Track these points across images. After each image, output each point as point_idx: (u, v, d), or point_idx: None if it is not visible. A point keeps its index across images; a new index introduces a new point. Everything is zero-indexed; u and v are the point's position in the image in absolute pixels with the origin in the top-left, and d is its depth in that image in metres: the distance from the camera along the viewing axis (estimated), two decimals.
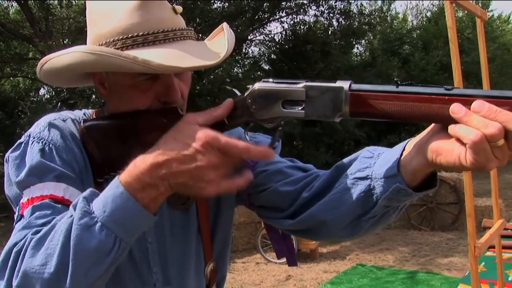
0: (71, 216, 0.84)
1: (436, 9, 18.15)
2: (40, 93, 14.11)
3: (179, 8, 1.03)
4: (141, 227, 0.88)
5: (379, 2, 15.83)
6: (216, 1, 11.14)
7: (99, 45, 0.99)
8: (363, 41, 16.09)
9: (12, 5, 12.18)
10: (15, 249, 0.85)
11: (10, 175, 1.00)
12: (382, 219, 0.96)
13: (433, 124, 0.84)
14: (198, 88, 9.72)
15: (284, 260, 1.27)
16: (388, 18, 17.77)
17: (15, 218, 0.95)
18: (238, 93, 0.96)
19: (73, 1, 11.36)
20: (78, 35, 10.14)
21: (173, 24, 1.00)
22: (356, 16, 12.77)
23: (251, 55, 13.98)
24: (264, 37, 13.58)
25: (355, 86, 0.85)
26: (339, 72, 11.97)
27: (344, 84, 0.86)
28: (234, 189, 0.88)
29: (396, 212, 0.96)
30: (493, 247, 2.95)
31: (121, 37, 0.97)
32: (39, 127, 1.03)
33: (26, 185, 0.96)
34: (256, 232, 7.41)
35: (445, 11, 2.04)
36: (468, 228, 2.19)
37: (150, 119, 1.00)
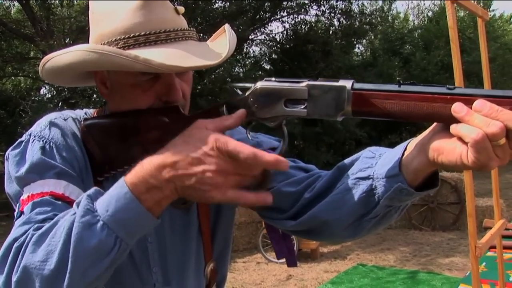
0: (74, 213, 0.84)
1: (437, 9, 18.15)
2: (41, 93, 14.13)
3: (181, 9, 1.04)
4: (143, 229, 0.87)
5: (380, 2, 15.83)
6: (217, 1, 11.15)
7: (101, 44, 0.99)
8: (364, 40, 16.09)
9: (13, 5, 12.20)
10: (15, 244, 0.85)
11: (10, 172, 1.00)
12: (384, 219, 0.96)
13: (434, 124, 0.84)
14: (199, 87, 9.72)
15: (285, 259, 1.27)
16: (389, 17, 17.77)
17: (15, 214, 0.95)
18: (240, 92, 0.96)
19: (75, 1, 11.37)
20: (79, 34, 10.15)
21: (175, 24, 1.00)
22: (357, 15, 12.77)
23: (252, 55, 13.98)
24: (265, 37, 13.58)
25: (358, 85, 0.85)
26: (340, 72, 11.96)
27: (347, 83, 0.86)
28: (241, 201, 0.86)
29: (398, 212, 0.96)
30: (494, 247, 2.95)
31: (123, 37, 0.97)
32: (40, 126, 1.04)
33: (26, 182, 0.96)
34: (257, 232, 7.41)
35: (446, 11, 2.04)
36: (469, 228, 2.18)
37: (151, 118, 1.00)
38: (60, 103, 10.16)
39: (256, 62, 13.92)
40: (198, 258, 1.16)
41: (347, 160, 1.02)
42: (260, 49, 14.18)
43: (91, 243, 0.81)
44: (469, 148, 0.74)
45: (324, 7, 12.44)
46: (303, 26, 13.05)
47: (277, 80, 0.92)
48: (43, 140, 1.00)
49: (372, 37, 16.80)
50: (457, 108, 0.76)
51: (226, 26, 1.08)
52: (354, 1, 12.73)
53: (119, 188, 0.84)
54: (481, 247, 2.14)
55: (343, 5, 12.44)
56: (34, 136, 1.01)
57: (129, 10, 0.98)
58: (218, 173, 0.82)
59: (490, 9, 19.31)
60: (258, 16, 12.26)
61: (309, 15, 12.93)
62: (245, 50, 13.12)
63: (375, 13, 14.06)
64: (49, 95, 11.99)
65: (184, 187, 0.84)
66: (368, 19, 13.14)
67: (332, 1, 12.36)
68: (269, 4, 11.99)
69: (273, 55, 14.08)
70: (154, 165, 0.84)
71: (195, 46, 1.02)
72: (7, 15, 11.86)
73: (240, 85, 0.96)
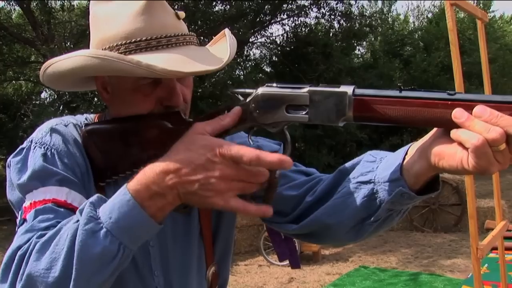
0: (77, 221, 0.85)
1: (437, 10, 18.13)
2: (42, 96, 14.14)
3: (182, 14, 1.04)
4: (146, 236, 0.88)
5: (380, 4, 15.84)
6: (217, 4, 11.15)
7: (102, 49, 0.99)
8: (364, 42, 16.09)
9: (14, 9, 12.22)
10: (19, 253, 0.86)
11: (11, 179, 1.00)
12: (386, 222, 0.97)
13: (435, 129, 0.85)
14: (200, 90, 9.72)
15: (286, 262, 1.27)
16: (389, 19, 17.77)
17: (18, 222, 0.95)
18: (241, 98, 0.96)
19: (75, 5, 11.40)
20: (80, 38, 10.16)
21: (175, 29, 1.01)
22: (357, 18, 12.77)
23: (252, 58, 13.99)
24: (265, 40, 13.58)
25: (359, 91, 0.86)
26: (341, 74, 11.97)
27: (348, 89, 0.86)
28: (242, 211, 0.86)
29: (400, 215, 0.97)
30: (496, 248, 2.95)
31: (124, 42, 0.97)
32: (41, 132, 1.04)
33: (28, 189, 0.96)
34: (259, 235, 7.40)
35: (446, 13, 2.05)
36: (470, 230, 2.19)
37: (152, 123, 1.00)
38: (61, 107, 10.17)
39: (256, 64, 13.92)
40: (199, 262, 1.16)
41: (348, 164, 1.02)
42: (261, 51, 14.19)
43: (95, 251, 0.82)
44: (470, 154, 0.75)
45: (324, 9, 12.45)
46: (303, 29, 13.05)
47: (278, 85, 0.92)
48: (44, 147, 1.01)
49: (372, 39, 16.80)
50: (458, 114, 0.77)
51: (226, 30, 1.09)
52: (354, 3, 12.74)
53: (122, 195, 0.85)
54: (482, 249, 2.14)
55: (343, 7, 12.45)
56: (36, 143, 1.02)
57: (130, 15, 0.98)
58: (221, 179, 0.82)
59: (490, 10, 19.30)
60: (258, 19, 12.26)
61: (309, 18, 12.94)
62: (245, 52, 13.12)
63: (375, 15, 14.07)
64: (50, 99, 12.01)
65: (187, 193, 0.84)
66: (368, 21, 13.14)
67: (332, 4, 12.37)
68: (269, 6, 12.00)
69: (274, 58, 14.08)
70: (157, 172, 0.84)
71: (196, 51, 1.03)
72: (8, 19, 11.88)
73: (242, 90, 0.96)
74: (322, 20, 13.02)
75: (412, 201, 0.91)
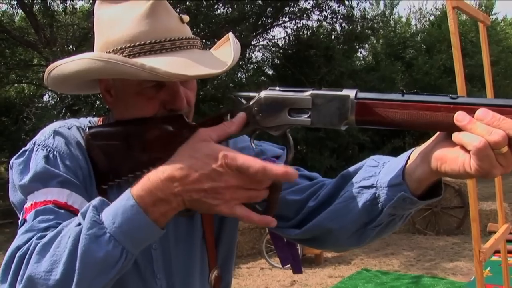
0: (79, 224, 0.85)
1: (439, 13, 18.14)
2: (44, 99, 14.17)
3: (186, 18, 1.05)
4: (149, 240, 0.88)
5: (382, 7, 15.84)
6: (219, 7, 11.17)
7: (106, 52, 1.00)
8: (366, 45, 16.08)
9: (17, 12, 12.26)
10: (18, 253, 0.86)
11: (14, 181, 1.01)
12: (388, 227, 0.97)
13: (438, 133, 0.84)
14: (202, 93, 9.73)
15: (289, 266, 1.27)
16: (391, 22, 17.77)
17: (19, 222, 0.96)
18: (244, 101, 0.96)
19: (77, 8, 11.42)
20: (83, 41, 10.19)
21: (179, 33, 1.01)
22: (359, 20, 12.77)
23: (254, 60, 13.99)
24: (267, 42, 13.60)
25: (361, 95, 0.86)
26: (343, 77, 11.97)
27: (350, 93, 0.86)
28: (246, 220, 0.87)
29: (402, 220, 0.96)
30: (499, 251, 2.94)
31: (128, 45, 0.98)
32: (44, 135, 1.04)
33: (30, 190, 0.96)
34: (261, 237, 7.40)
35: (448, 16, 2.05)
36: (472, 233, 2.18)
37: (155, 126, 1.00)
38: (63, 110, 10.18)
39: (258, 67, 13.93)
40: (202, 265, 1.16)
41: (351, 168, 1.02)
42: (263, 54, 14.20)
43: (98, 255, 0.82)
44: (472, 156, 0.75)
45: (326, 12, 12.45)
46: (305, 32, 13.06)
47: (281, 89, 0.92)
48: (47, 149, 1.01)
49: (374, 42, 16.80)
50: (460, 117, 0.76)
51: (230, 34, 1.09)
52: (355, 6, 12.74)
53: (125, 200, 0.85)
54: (485, 252, 2.14)
55: (345, 10, 12.46)
56: (38, 145, 1.02)
57: (134, 19, 0.99)
58: (227, 189, 0.83)
59: (492, 12, 19.30)
60: (260, 22, 12.27)
61: (311, 20, 12.95)
62: (247, 55, 13.13)
63: (377, 17, 14.07)
64: (53, 102, 12.02)
65: (192, 200, 0.84)
66: (370, 24, 13.14)
67: (334, 6, 12.37)
68: (271, 9, 12.02)
69: (276, 61, 14.09)
70: (161, 178, 0.84)
71: (200, 54, 1.03)
72: (11, 22, 11.92)
73: (244, 94, 0.97)
74: (324, 23, 13.03)
75: (414, 206, 0.90)
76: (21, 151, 1.04)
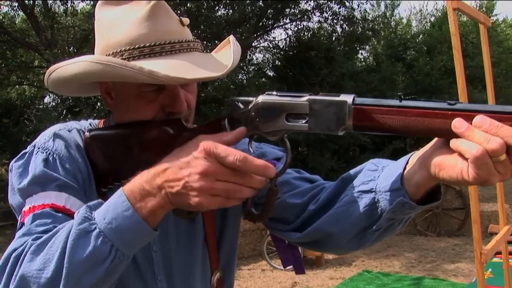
0: (72, 223, 0.86)
1: (440, 14, 18.13)
2: (45, 101, 14.17)
3: (186, 20, 1.05)
4: (139, 239, 0.87)
5: (382, 8, 15.84)
6: (220, 9, 11.17)
7: (106, 55, 1.00)
8: (367, 46, 16.07)
9: (18, 14, 12.26)
10: (14, 254, 0.86)
11: (13, 184, 1.01)
12: (388, 231, 0.97)
13: (436, 139, 0.84)
14: (202, 95, 9.73)
15: (290, 267, 1.27)
16: (392, 23, 17.78)
17: (17, 225, 0.96)
18: (242, 106, 0.97)
19: (78, 9, 11.44)
20: (83, 43, 10.19)
21: (180, 36, 1.01)
22: (360, 22, 12.76)
23: (255, 62, 13.98)
24: (268, 44, 13.59)
25: (359, 100, 0.86)
26: (344, 78, 11.95)
27: (348, 98, 0.86)
28: (226, 205, 0.86)
29: (402, 224, 0.97)
30: (500, 253, 2.94)
31: (128, 48, 0.98)
32: (44, 137, 1.05)
33: (28, 193, 0.97)
34: (262, 239, 7.40)
35: (448, 18, 2.05)
36: (474, 234, 2.18)
37: (154, 129, 1.00)
38: (64, 112, 10.19)
39: (259, 69, 13.92)
40: (204, 268, 1.16)
41: (351, 171, 1.02)
42: (263, 56, 14.19)
43: (86, 251, 0.82)
44: (470, 164, 0.74)
45: (327, 13, 12.44)
46: (306, 33, 13.05)
47: (278, 94, 0.92)
48: (46, 152, 1.01)
49: (375, 43, 16.79)
50: (457, 124, 0.76)
51: (231, 37, 1.09)
52: (356, 7, 12.74)
53: (117, 197, 0.86)
54: (486, 253, 2.14)
55: (346, 12, 12.45)
56: (38, 148, 1.02)
57: (134, 21, 0.99)
58: (203, 175, 0.81)
59: (493, 13, 19.29)
60: (261, 23, 12.26)
61: (312, 22, 12.93)
62: (248, 57, 13.12)
63: (377, 19, 14.06)
64: (53, 104, 12.01)
65: (174, 194, 0.84)
66: (370, 25, 13.12)
67: (334, 8, 12.36)
68: (272, 11, 12.01)
69: (277, 62, 14.08)
70: (151, 173, 0.86)
71: (200, 57, 1.03)
72: (12, 24, 11.93)
73: (242, 98, 0.97)
74: (325, 25, 13.02)
75: (414, 211, 0.90)
76: (20, 153, 1.04)
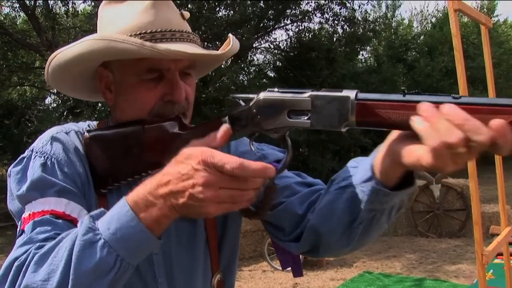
0: (77, 233, 0.85)
1: (441, 15, 18.15)
2: (46, 102, 14.20)
3: (187, 14, 1.07)
4: (144, 249, 0.87)
5: (383, 9, 15.86)
6: (221, 10, 11.19)
7: None
8: (368, 47, 16.08)
9: (19, 15, 12.29)
10: (16, 263, 0.85)
11: (11, 189, 1.00)
12: (373, 225, 0.97)
13: None
14: (203, 96, 9.74)
15: (289, 268, 1.26)
16: (393, 24, 17.78)
17: (17, 232, 0.95)
18: (243, 103, 0.96)
19: (79, 10, 11.46)
20: None
21: (180, 26, 1.04)
22: (361, 23, 12.77)
23: (256, 63, 14.01)
24: (269, 45, 13.61)
25: (362, 95, 0.84)
26: (344, 79, 11.96)
27: (351, 93, 0.84)
28: (236, 209, 0.86)
29: (385, 216, 0.96)
30: (501, 254, 2.93)
31: (129, 34, 0.99)
32: (41, 141, 1.04)
33: (27, 199, 0.96)
34: (263, 240, 7.39)
35: (450, 19, 2.05)
36: (475, 235, 2.18)
37: (154, 128, 1.00)
38: (65, 113, 10.21)
39: (260, 70, 13.94)
40: (205, 270, 1.16)
41: (338, 173, 1.03)
42: (264, 57, 14.22)
43: (91, 262, 0.81)
44: (428, 153, 0.74)
45: (328, 14, 12.46)
46: (307, 34, 13.07)
47: (280, 90, 0.91)
48: (44, 156, 1.01)
49: (376, 44, 16.80)
50: (425, 107, 0.75)
51: (230, 35, 1.12)
52: (357, 8, 12.75)
53: (121, 207, 0.85)
54: (487, 255, 2.13)
55: (347, 13, 12.46)
56: (36, 152, 1.02)
57: (136, 12, 1.02)
58: (206, 187, 0.81)
59: (494, 14, 19.30)
60: (262, 24, 12.28)
61: (313, 23, 12.96)
62: (249, 58, 13.14)
63: (378, 20, 14.08)
64: (55, 105, 12.05)
65: (180, 205, 0.83)
66: (371, 26, 13.14)
67: (335, 9, 12.38)
68: (272, 12, 12.03)
69: (277, 63, 14.10)
70: (154, 184, 0.84)
71: (199, 47, 1.06)
72: (13, 25, 11.95)
73: (243, 96, 0.96)
74: (326, 25, 13.04)
75: (389, 198, 0.90)
76: (19, 158, 1.04)
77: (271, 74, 14.35)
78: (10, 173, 1.02)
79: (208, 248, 1.16)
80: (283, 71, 13.76)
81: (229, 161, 0.80)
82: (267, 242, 7.02)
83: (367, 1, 12.98)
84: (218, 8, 11.02)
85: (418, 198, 8.40)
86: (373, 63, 16.70)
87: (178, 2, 9.42)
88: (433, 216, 8.41)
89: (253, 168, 0.81)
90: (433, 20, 19.00)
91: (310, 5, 12.46)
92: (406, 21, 20.01)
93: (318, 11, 12.44)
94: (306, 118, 0.88)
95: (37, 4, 10.64)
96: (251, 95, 0.95)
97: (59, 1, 11.03)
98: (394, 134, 0.85)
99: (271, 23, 12.69)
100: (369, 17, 13.56)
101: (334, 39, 13.14)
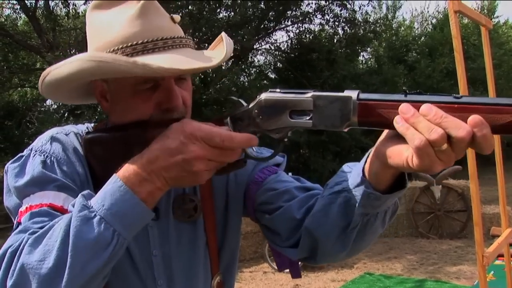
0: (70, 214, 0.86)
1: (441, 16, 18.14)
2: (47, 103, 14.19)
3: (177, 17, 1.05)
4: (139, 222, 0.89)
5: (384, 10, 15.87)
6: (221, 11, 11.19)
7: None
8: (368, 48, 16.08)
9: (20, 17, 12.29)
10: (10, 250, 0.86)
11: (8, 184, 1.01)
12: (367, 229, 0.97)
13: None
14: (204, 97, 9.74)
15: (287, 269, 1.26)
16: (394, 25, 17.79)
17: (14, 226, 0.95)
18: (244, 103, 0.96)
19: (80, 12, 11.45)
20: (86, 45, 10.19)
21: (171, 32, 1.01)
22: (361, 24, 12.76)
23: (257, 64, 14.01)
24: (269, 46, 13.60)
25: (363, 96, 0.84)
26: (345, 80, 11.97)
27: (352, 94, 0.85)
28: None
29: (380, 220, 0.97)
30: (502, 255, 2.93)
31: (120, 46, 0.97)
32: (41, 141, 1.05)
33: (26, 193, 0.96)
34: (263, 241, 7.38)
35: (450, 20, 2.05)
36: (476, 237, 2.18)
37: (153, 130, 1.00)
38: (66, 114, 10.22)
39: (261, 71, 13.94)
40: (205, 271, 1.16)
41: (331, 178, 1.04)
42: (265, 58, 14.21)
43: (90, 237, 0.82)
44: (413, 153, 0.76)
45: (328, 16, 12.45)
46: (307, 35, 13.06)
47: (281, 91, 0.92)
48: (44, 155, 1.01)
49: (377, 45, 16.80)
50: (404, 109, 0.78)
51: (223, 33, 1.10)
52: (358, 9, 12.76)
53: (113, 184, 0.87)
54: (488, 256, 2.13)
55: (347, 14, 12.45)
56: (35, 151, 1.02)
57: (126, 21, 0.99)
58: (197, 160, 0.86)
59: (495, 15, 19.30)
60: (262, 26, 12.27)
61: (314, 24, 12.94)
62: (250, 59, 13.15)
63: (379, 21, 14.07)
64: (55, 106, 12.05)
65: (172, 178, 0.87)
66: (372, 27, 13.13)
67: (336, 10, 12.37)
68: (273, 13, 12.02)
69: (278, 64, 14.10)
70: (144, 160, 0.87)
71: (193, 52, 1.03)
72: (14, 27, 11.95)
73: (235, 99, 0.98)
74: (326, 27, 13.03)
75: (381, 202, 0.91)
76: (17, 156, 1.04)
77: (272, 76, 14.35)
78: (7, 169, 1.03)
79: (208, 250, 1.16)
80: (283, 73, 13.76)
81: (217, 133, 0.86)
82: (267, 244, 7.02)
83: (368, 1, 12.99)
84: (218, 10, 11.02)
85: (418, 199, 8.39)
86: (373, 64, 16.70)
87: (179, 3, 9.44)
88: (434, 217, 8.40)
89: (239, 140, 0.88)
90: (434, 21, 18.99)
91: (311, 7, 12.46)
92: (407, 22, 20.01)
93: (318, 12, 12.44)
94: (308, 118, 0.89)
95: (38, 5, 10.64)
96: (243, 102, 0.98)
97: (60, 3, 11.03)
98: (381, 136, 0.87)
99: (271, 25, 12.68)
100: (369, 18, 13.56)
101: (335, 40, 13.14)
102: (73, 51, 10.42)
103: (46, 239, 0.84)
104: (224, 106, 9.90)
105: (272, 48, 13.66)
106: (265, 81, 13.13)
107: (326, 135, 11.57)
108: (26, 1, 10.50)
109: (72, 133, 1.09)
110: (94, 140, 1.04)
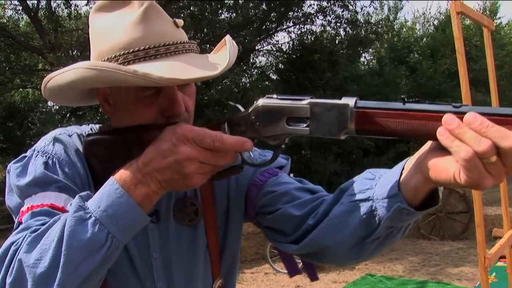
0: (67, 214, 0.86)
1: (443, 17, 18.11)
2: (49, 104, 14.21)
3: (180, 22, 1.04)
4: (134, 225, 0.89)
5: (386, 11, 15.85)
6: (223, 12, 11.19)
7: (101, 61, 0.99)
8: (370, 49, 16.06)
9: (22, 18, 12.32)
10: (12, 247, 0.87)
11: (11, 183, 1.01)
12: (387, 240, 0.95)
13: (430, 141, 0.82)
14: (206, 98, 9.74)
15: (296, 275, 1.25)
16: (396, 26, 17.76)
17: (14, 226, 0.96)
18: (242, 109, 0.96)
19: (82, 13, 11.47)
20: (87, 46, 10.20)
21: (174, 37, 1.00)
22: (363, 25, 12.75)
23: (258, 65, 13.99)
24: (271, 47, 13.59)
25: (361, 103, 0.84)
26: (347, 81, 11.94)
27: (350, 101, 0.84)
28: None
29: (401, 232, 0.95)
30: (504, 257, 2.92)
31: (122, 52, 0.97)
32: (44, 142, 1.05)
33: (27, 194, 0.97)
34: (265, 242, 7.37)
35: (452, 21, 2.05)
36: (477, 238, 2.17)
37: (152, 133, 1.00)
38: (67, 115, 10.21)
39: (262, 72, 13.92)
40: (205, 275, 1.15)
41: (348, 182, 1.01)
42: (267, 59, 14.19)
43: (83, 238, 0.83)
44: (460, 167, 0.72)
45: (330, 17, 12.44)
46: (309, 36, 13.04)
47: (278, 97, 0.91)
48: (46, 156, 1.01)
49: (378, 46, 16.78)
50: (448, 120, 0.74)
51: (227, 37, 1.08)
52: (360, 10, 12.75)
53: (109, 186, 0.87)
54: (490, 258, 2.13)
55: (349, 15, 12.45)
56: (38, 152, 1.03)
57: (128, 26, 0.98)
58: (189, 161, 0.85)
59: (497, 16, 19.26)
60: (264, 27, 12.27)
61: (315, 25, 12.92)
62: (251, 60, 13.14)
63: (381, 22, 14.06)
64: (57, 107, 12.05)
65: (166, 180, 0.87)
66: (374, 29, 13.12)
67: (338, 11, 12.37)
68: (275, 14, 12.02)
69: (280, 65, 14.08)
70: (139, 162, 0.88)
71: (196, 58, 1.02)
72: (16, 28, 11.97)
73: (233, 104, 0.97)
74: (328, 28, 13.01)
75: (411, 217, 0.88)
76: (20, 157, 1.05)
77: (274, 77, 14.33)
78: (9, 169, 1.03)
79: (209, 254, 1.16)
80: (285, 74, 13.74)
81: (209, 134, 0.86)
82: (269, 245, 7.01)
83: (370, 2, 12.97)
84: (220, 11, 11.02)
85: None
86: (375, 65, 16.66)
87: (181, 4, 9.44)
88: (435, 218, 8.39)
89: (231, 142, 0.87)
90: (436, 22, 18.95)
91: (313, 8, 12.45)
92: (409, 23, 19.99)
93: (320, 14, 12.43)
94: (305, 125, 0.88)
95: (40, 6, 10.66)
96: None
97: (62, 4, 11.05)
98: (423, 148, 0.83)
99: (273, 26, 12.68)
100: (371, 19, 13.55)
101: (337, 41, 13.13)
102: (75, 51, 10.44)
103: (44, 238, 0.85)
104: (226, 107, 9.90)
105: (274, 49, 13.65)
106: (266, 82, 13.11)
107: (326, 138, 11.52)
108: (28, 2, 10.52)
109: (75, 134, 1.09)
110: (95, 142, 1.04)
